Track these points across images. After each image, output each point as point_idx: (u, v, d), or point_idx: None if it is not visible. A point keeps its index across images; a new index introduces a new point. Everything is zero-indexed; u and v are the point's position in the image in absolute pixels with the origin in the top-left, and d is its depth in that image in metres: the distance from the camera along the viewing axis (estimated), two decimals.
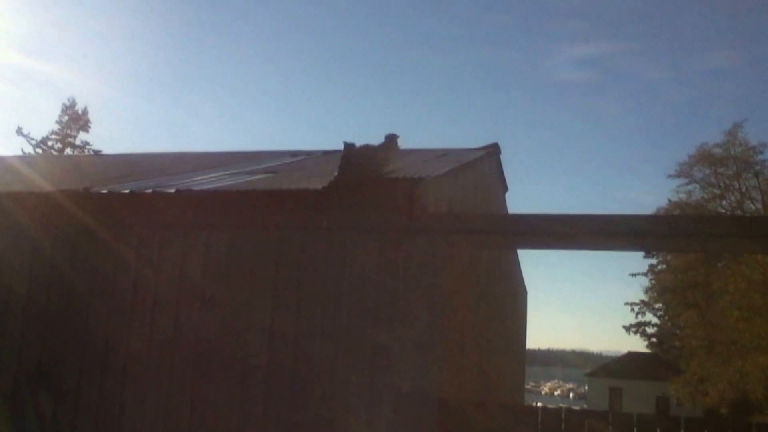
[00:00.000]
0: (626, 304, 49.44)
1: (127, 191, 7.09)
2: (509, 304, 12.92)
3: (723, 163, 35.25)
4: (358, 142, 6.50)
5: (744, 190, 35.23)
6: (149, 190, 7.05)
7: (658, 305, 47.12)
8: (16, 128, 44.05)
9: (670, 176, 37.05)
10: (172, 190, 6.97)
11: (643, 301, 48.20)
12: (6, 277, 7.33)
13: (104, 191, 7.20)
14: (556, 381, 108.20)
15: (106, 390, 6.76)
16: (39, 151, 44.02)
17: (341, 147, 6.52)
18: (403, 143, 6.98)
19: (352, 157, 6.38)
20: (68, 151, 45.19)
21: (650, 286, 44.77)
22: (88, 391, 6.81)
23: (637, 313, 49.48)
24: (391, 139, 6.67)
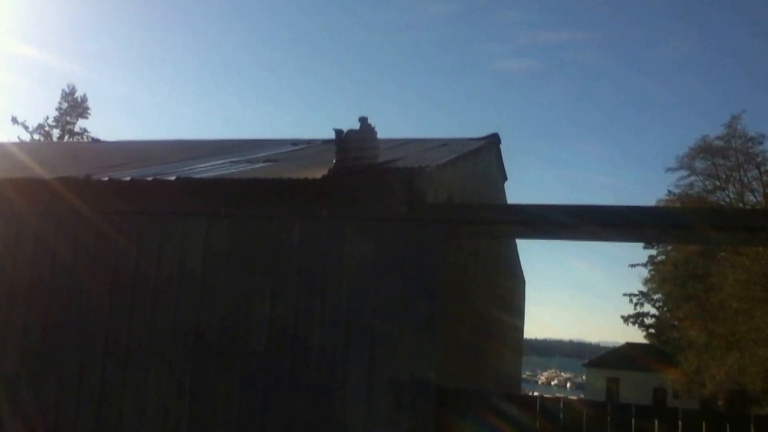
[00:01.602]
0: (625, 294, 49.45)
1: (127, 179, 7.09)
2: (507, 293, 12.95)
3: (723, 154, 35.20)
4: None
5: (745, 181, 35.20)
6: (150, 178, 7.05)
7: (657, 296, 47.13)
8: (11, 117, 43.92)
9: (670, 169, 37.02)
10: (173, 178, 6.97)
11: (642, 292, 48.23)
12: (9, 263, 7.34)
13: (105, 179, 7.20)
14: (553, 370, 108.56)
15: (107, 376, 6.79)
16: (37, 137, 43.92)
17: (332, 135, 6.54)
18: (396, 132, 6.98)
19: (346, 142, 6.39)
20: (67, 138, 45.11)
21: (650, 277, 44.77)
22: (90, 377, 6.84)
23: (636, 304, 49.49)
24: (364, 121, 6.66)
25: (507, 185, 12.57)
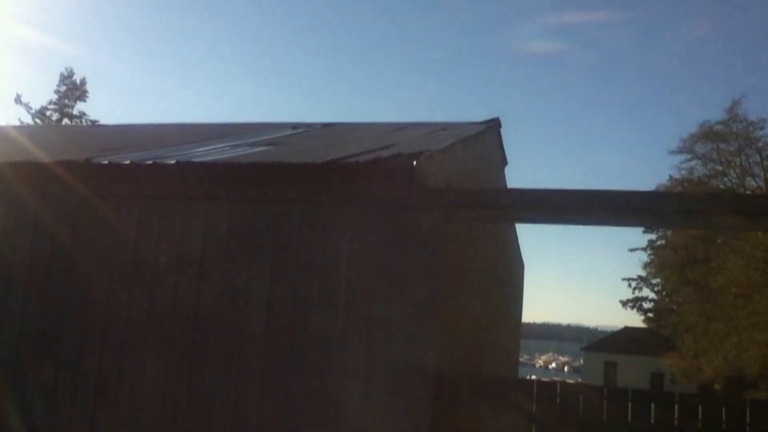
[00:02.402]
0: (624, 279, 49.57)
1: (127, 162, 7.09)
2: (506, 277, 12.98)
3: (724, 139, 35.18)
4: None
5: (746, 166, 35.19)
6: (149, 161, 7.05)
7: (656, 281, 47.22)
8: (15, 96, 43.94)
9: (672, 152, 37.03)
10: (173, 162, 6.96)
11: (640, 277, 48.33)
12: (7, 247, 7.35)
13: (104, 162, 7.20)
14: (551, 354, 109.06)
15: (105, 359, 6.82)
16: (37, 120, 43.88)
17: (334, 119, 6.53)
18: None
19: None
20: (66, 121, 45.03)
21: (649, 261, 44.85)
22: (89, 361, 6.87)
23: (635, 289, 49.61)
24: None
25: (509, 169, 12.57)
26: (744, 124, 34.31)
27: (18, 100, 43.85)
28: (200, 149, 8.32)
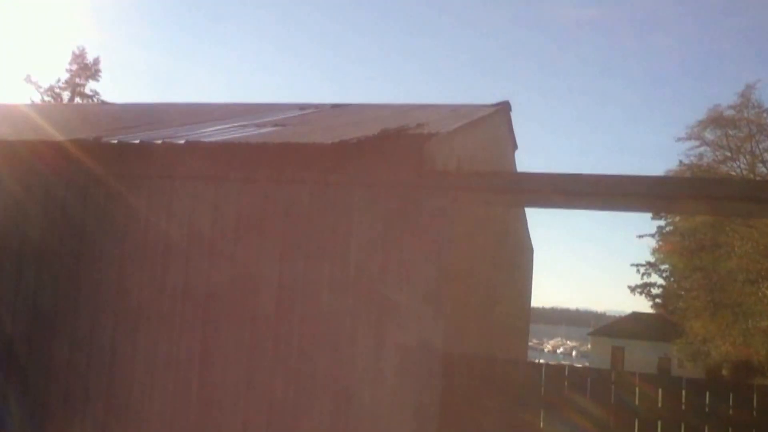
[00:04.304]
0: (632, 264, 49.56)
1: (137, 141, 7.10)
2: (515, 261, 12.98)
3: (735, 125, 34.86)
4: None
5: (757, 152, 34.89)
6: (159, 141, 7.05)
7: (664, 266, 47.15)
8: (25, 76, 44.06)
9: (680, 139, 36.77)
10: (182, 142, 6.97)
11: (649, 262, 48.28)
12: (20, 224, 7.40)
13: (114, 141, 7.21)
14: (559, 339, 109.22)
15: (118, 336, 6.88)
16: (48, 98, 43.93)
17: (344, 100, 6.51)
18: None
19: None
20: (77, 100, 45.05)
21: (657, 247, 44.77)
22: (101, 338, 6.93)
23: (643, 274, 49.61)
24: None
25: (521, 152, 12.52)
26: (757, 110, 33.98)
27: (28, 79, 43.96)
28: (209, 129, 8.32)
